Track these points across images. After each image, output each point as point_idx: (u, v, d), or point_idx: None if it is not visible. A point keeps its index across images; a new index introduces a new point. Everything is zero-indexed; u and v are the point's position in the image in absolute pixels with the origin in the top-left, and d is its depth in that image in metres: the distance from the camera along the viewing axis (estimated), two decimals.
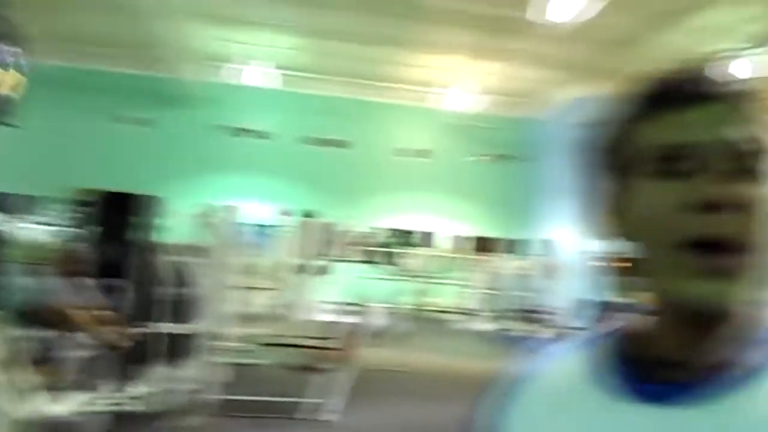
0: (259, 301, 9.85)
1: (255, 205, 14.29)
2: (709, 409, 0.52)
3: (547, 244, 14.91)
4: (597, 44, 11.47)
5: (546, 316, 12.69)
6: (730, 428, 0.50)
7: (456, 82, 13.59)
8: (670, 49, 10.75)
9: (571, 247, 13.74)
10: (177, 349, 5.60)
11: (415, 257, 14.13)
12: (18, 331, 3.79)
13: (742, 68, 10.53)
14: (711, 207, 0.51)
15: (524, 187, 14.84)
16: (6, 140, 14.21)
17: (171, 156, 14.70)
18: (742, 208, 0.51)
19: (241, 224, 14.26)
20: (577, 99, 13.85)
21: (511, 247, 15.09)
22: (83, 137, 14.58)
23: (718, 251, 0.51)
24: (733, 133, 0.53)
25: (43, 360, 3.91)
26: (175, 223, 10.32)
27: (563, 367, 0.64)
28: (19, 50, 3.79)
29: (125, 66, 14.15)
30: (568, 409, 0.60)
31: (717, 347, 0.55)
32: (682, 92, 0.54)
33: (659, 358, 0.57)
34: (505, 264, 13.61)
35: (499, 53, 11.64)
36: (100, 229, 5.49)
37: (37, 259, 5.36)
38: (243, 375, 6.03)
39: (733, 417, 0.51)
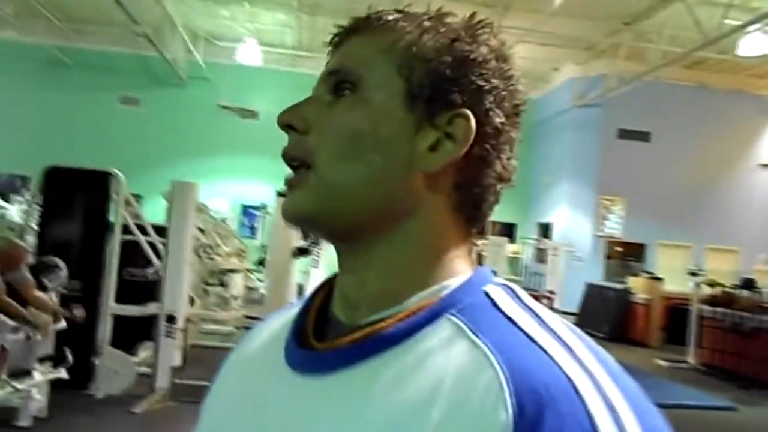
0: (242, 283, 9.72)
1: (249, 185, 14.12)
2: (344, 377, 0.48)
3: (542, 227, 14.64)
4: (594, 21, 11.10)
5: (538, 300, 12.48)
6: (363, 395, 0.46)
7: None
8: (669, 25, 10.36)
9: (567, 230, 13.47)
10: (130, 331, 5.43)
11: None
12: None
13: (755, 41, 10.14)
14: (284, 127, 0.54)
15: (521, 170, 14.48)
16: None
17: (160, 136, 14.51)
18: (306, 129, 0.53)
19: (244, 206, 14.42)
20: (573, 78, 13.48)
21: (505, 230, 14.82)
22: (74, 116, 14.42)
23: (294, 168, 0.53)
24: (333, 60, 0.55)
25: None
26: (153, 204, 10.24)
27: (283, 316, 0.60)
28: None
29: (113, 45, 13.94)
30: (250, 365, 0.58)
31: (362, 293, 0.52)
32: (338, 32, 0.56)
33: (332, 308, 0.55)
34: (499, 248, 13.34)
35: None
36: (48, 205, 5.29)
37: None
38: (213, 358, 5.85)
39: (364, 386, 0.47)
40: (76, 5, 12.52)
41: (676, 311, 10.41)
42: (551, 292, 12.35)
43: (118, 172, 5.42)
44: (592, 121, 13.23)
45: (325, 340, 0.53)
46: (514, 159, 0.55)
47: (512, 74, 0.54)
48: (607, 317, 10.97)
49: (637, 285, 11.32)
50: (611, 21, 11.10)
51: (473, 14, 0.54)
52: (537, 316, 0.48)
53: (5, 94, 14.38)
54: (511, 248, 13.75)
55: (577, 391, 0.42)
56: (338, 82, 0.53)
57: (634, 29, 11.12)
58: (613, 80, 11.87)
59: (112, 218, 5.43)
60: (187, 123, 14.61)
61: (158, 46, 11.96)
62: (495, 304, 0.49)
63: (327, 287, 0.57)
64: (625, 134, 13.32)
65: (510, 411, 0.41)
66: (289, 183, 0.53)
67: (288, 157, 0.53)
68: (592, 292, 11.84)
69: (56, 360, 4.38)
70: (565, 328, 0.48)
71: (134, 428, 4.60)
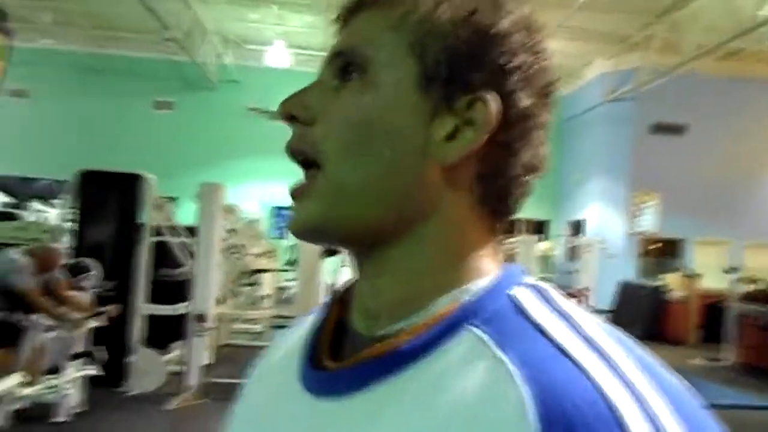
0: (272, 283, 9.84)
1: (279, 187, 14.28)
2: (357, 401, 0.43)
3: (574, 224, 14.45)
4: (625, 14, 10.90)
5: (572, 298, 12.31)
6: (378, 421, 0.42)
7: None
8: (704, 15, 10.11)
9: (599, 227, 13.27)
10: (162, 330, 5.56)
11: None
12: None
13: None
14: (287, 118, 0.48)
15: (552, 166, 14.32)
16: (35, 126, 14.63)
17: (194, 139, 14.78)
18: (311, 119, 0.47)
19: (275, 207, 14.58)
20: (604, 73, 13.26)
21: (536, 228, 14.67)
22: (110, 121, 14.80)
23: (300, 164, 0.48)
24: (339, 40, 0.49)
25: (10, 342, 3.88)
26: (185, 206, 10.42)
27: (307, 323, 0.55)
28: (3, 32, 3.72)
29: (146, 51, 14.25)
30: (271, 378, 0.53)
31: (380, 301, 0.47)
32: (345, 7, 0.50)
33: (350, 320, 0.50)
34: (530, 246, 13.20)
35: None
36: (82, 208, 5.44)
37: (27, 240, 5.38)
38: (244, 357, 5.95)
39: (380, 409, 0.42)
40: (110, 13, 12.84)
41: (714, 309, 10.15)
42: (586, 290, 12.19)
43: (148, 175, 5.55)
44: (625, 115, 12.99)
45: (342, 353, 0.48)
46: (545, 145, 0.48)
47: (542, 48, 0.47)
48: (642, 316, 10.76)
49: (672, 282, 11.09)
50: (643, 13, 10.88)
51: None
52: (570, 322, 0.42)
53: (44, 102, 14.83)
54: (542, 246, 13.60)
55: (615, 414, 0.36)
56: (344, 65, 0.47)
57: (666, 20, 10.88)
58: (646, 73, 11.64)
59: (144, 220, 5.57)
60: (219, 126, 14.85)
61: (189, 51, 12.18)
62: (521, 310, 0.43)
63: (345, 295, 0.52)
64: (659, 128, 13.04)
65: None
66: (294, 194, 0.48)
67: (292, 152, 0.48)
68: (626, 290, 11.63)
69: (88, 357, 4.50)
70: (607, 335, 0.41)
71: (165, 425, 4.70)
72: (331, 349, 0.49)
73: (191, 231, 5.90)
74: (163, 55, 13.93)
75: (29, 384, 3.98)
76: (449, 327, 0.43)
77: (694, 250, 12.86)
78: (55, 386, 4.18)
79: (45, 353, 4.23)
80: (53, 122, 14.77)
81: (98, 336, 4.65)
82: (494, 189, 0.47)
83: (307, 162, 0.47)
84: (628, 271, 12.54)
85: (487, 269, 0.46)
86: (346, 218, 0.46)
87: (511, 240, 13.64)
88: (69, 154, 12.66)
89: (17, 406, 4.14)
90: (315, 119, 0.47)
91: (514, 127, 0.46)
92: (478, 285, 0.45)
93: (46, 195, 13.33)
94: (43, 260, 4.24)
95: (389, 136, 0.45)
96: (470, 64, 0.45)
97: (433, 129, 0.45)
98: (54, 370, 4.19)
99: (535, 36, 0.47)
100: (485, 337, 0.41)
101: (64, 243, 5.60)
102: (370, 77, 0.46)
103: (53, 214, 8.96)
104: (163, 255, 6.03)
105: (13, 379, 3.58)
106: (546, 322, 0.41)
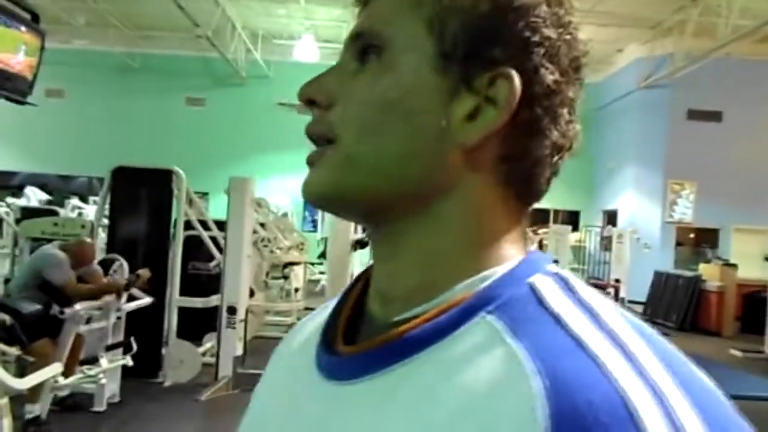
0: (303, 276, 9.94)
1: None
2: (366, 386, 0.43)
3: (607, 214, 14.21)
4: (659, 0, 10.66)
5: (604, 289, 12.15)
6: (385, 407, 0.41)
7: None
8: (735, 3, 9.81)
9: (633, 216, 13.03)
10: (195, 322, 5.67)
11: None
12: (22, 305, 3.90)
13: None
14: (306, 102, 0.48)
15: (584, 155, 14.13)
16: (71, 125, 15.02)
17: (225, 134, 14.99)
18: (330, 103, 0.46)
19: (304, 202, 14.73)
20: (638, 59, 12.99)
21: (568, 218, 14.48)
22: (144, 118, 15.10)
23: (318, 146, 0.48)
24: (358, 22, 0.48)
25: (51, 334, 4.01)
26: (220, 200, 10.59)
27: (328, 308, 0.54)
28: (35, 33, 3.83)
29: (178, 48, 14.48)
30: (291, 360, 0.53)
31: (395, 286, 0.46)
32: None
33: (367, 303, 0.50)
34: (562, 236, 13.04)
35: None
36: (117, 204, 5.58)
37: (64, 236, 5.54)
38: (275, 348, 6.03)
39: (387, 396, 0.41)
40: (142, 13, 13.08)
41: (752, 299, 9.91)
42: (617, 281, 12.00)
43: (179, 170, 5.66)
44: (659, 102, 12.71)
45: (358, 338, 0.48)
46: (575, 123, 0.46)
47: (568, 20, 0.45)
48: (678, 306, 10.56)
49: (709, 272, 10.84)
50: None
51: None
52: (592, 313, 0.39)
53: (81, 101, 15.21)
54: (574, 237, 13.43)
55: (632, 414, 0.33)
56: (363, 47, 0.46)
57: (701, 3, 10.60)
58: (681, 58, 11.36)
59: (176, 215, 5.68)
60: (250, 121, 15.02)
61: (219, 47, 12.34)
62: (540, 300, 0.41)
63: (364, 280, 0.51)
64: (695, 115, 12.73)
65: None
66: (310, 160, 0.47)
67: (310, 135, 0.47)
68: (661, 280, 11.42)
69: (123, 348, 4.63)
70: (631, 329, 0.39)
71: (198, 415, 4.82)
72: (348, 334, 0.49)
73: (222, 225, 6.00)
74: (194, 52, 14.14)
75: (68, 374, 4.12)
76: (463, 314, 0.41)
77: (731, 239, 12.55)
78: (93, 376, 4.31)
79: (83, 344, 4.36)
80: (89, 120, 15.15)
81: (133, 327, 4.77)
82: (519, 171, 0.45)
83: (323, 143, 0.47)
84: (664, 261, 12.31)
85: (509, 256, 0.44)
86: (358, 188, 0.45)
87: (543, 230, 13.51)
88: (105, 151, 12.95)
89: (59, 394, 4.30)
90: (333, 102, 0.46)
91: (538, 105, 0.43)
92: (498, 272, 0.43)
93: (84, 192, 13.71)
94: (79, 254, 4.36)
95: (406, 118, 0.44)
96: (491, 40, 0.43)
97: (452, 109, 0.43)
98: (91, 361, 4.32)
99: (561, 7, 0.45)
100: (499, 325, 0.40)
101: (100, 238, 5.76)
102: (388, 58, 0.45)
103: (90, 211, 9.20)
104: (195, 248, 6.16)
105: (54, 369, 3.71)
106: (565, 312, 0.39)
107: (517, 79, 0.42)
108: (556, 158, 0.45)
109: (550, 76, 0.43)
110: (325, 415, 0.44)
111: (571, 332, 0.38)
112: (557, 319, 0.39)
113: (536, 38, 0.43)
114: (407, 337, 0.42)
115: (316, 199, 0.47)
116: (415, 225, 0.45)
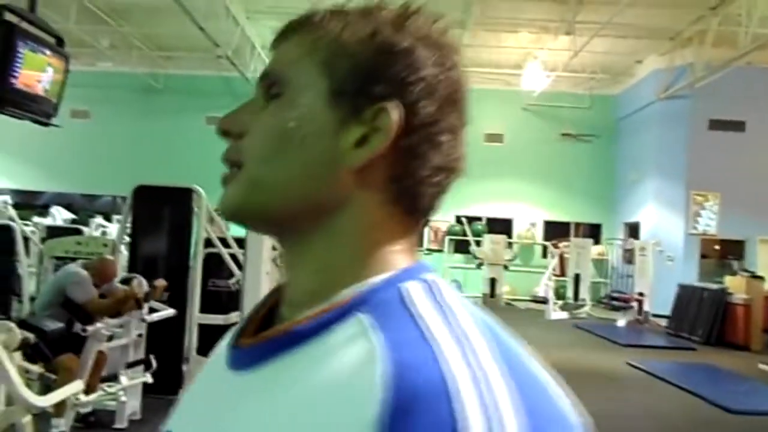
0: None
1: None
2: (261, 372, 0.49)
3: (629, 227, 14.04)
4: (677, 9, 10.58)
5: (627, 303, 11.95)
6: (266, 393, 0.47)
7: (526, 60, 13.03)
8: (759, 5, 9.71)
9: (656, 229, 12.87)
10: (214, 339, 5.71)
11: (490, 244, 13.70)
12: (46, 323, 3.97)
13: None
14: (222, 133, 0.56)
15: (604, 168, 14.03)
16: (96, 145, 15.32)
17: None
18: (241, 134, 0.54)
19: None
20: (657, 70, 12.89)
21: (590, 231, 14.33)
22: (166, 138, 15.34)
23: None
24: (267, 65, 0.55)
25: (71, 351, 4.07)
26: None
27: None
28: (60, 56, 3.93)
29: (199, 69, 14.73)
30: (213, 362, 0.58)
31: (298, 291, 0.53)
32: (277, 33, 0.56)
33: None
34: (584, 249, 12.92)
35: (571, 26, 11.01)
36: (138, 222, 5.66)
37: (87, 254, 5.63)
38: None
39: (270, 383, 0.48)
40: (164, 34, 13.35)
41: None
42: (641, 294, 11.83)
43: (200, 188, 5.73)
44: (680, 113, 12.59)
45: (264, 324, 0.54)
46: (459, 147, 0.53)
47: (446, 61, 0.52)
48: (703, 320, 10.35)
49: (735, 285, 10.63)
50: (695, 6, 10.54)
51: (405, 3, 0.53)
52: (445, 312, 0.46)
53: (105, 122, 15.52)
54: (596, 250, 13.30)
55: (448, 391, 0.40)
56: (269, 85, 0.54)
57: (720, 13, 10.51)
58: (701, 69, 11.25)
59: (196, 232, 5.74)
60: None
61: (239, 66, 12.52)
62: (403, 301, 0.47)
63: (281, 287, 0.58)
64: (717, 125, 12.57)
65: (379, 409, 0.40)
66: (223, 181, 0.55)
67: (225, 160, 0.55)
68: (686, 293, 11.22)
69: (143, 365, 4.67)
70: (475, 327, 0.45)
71: None
72: (258, 334, 0.53)
73: (241, 242, 6.04)
74: (214, 72, 14.37)
75: (90, 391, 4.17)
76: (341, 313, 0.47)
77: (757, 251, 12.31)
78: (114, 393, 4.36)
79: (105, 361, 4.42)
80: (113, 141, 15.44)
81: (153, 345, 4.82)
82: (405, 190, 0.51)
83: (235, 167, 0.54)
84: (688, 273, 12.10)
85: (395, 265, 0.51)
86: (261, 206, 0.52)
87: (564, 243, 13.39)
88: (128, 170, 13.16)
89: (81, 411, 4.34)
90: (243, 133, 0.54)
91: (417, 132, 0.50)
92: (378, 279, 0.49)
93: (108, 211, 13.94)
94: (101, 272, 4.44)
95: (302, 145, 0.51)
96: (374, 78, 0.50)
97: (341, 137, 0.50)
98: (112, 378, 4.37)
99: (440, 50, 0.52)
100: (367, 322, 0.46)
101: (122, 256, 5.84)
102: (289, 95, 0.52)
103: (114, 229, 9.34)
104: (214, 266, 6.21)
105: (76, 386, 3.76)
106: (422, 312, 0.46)
107: (396, 112, 0.49)
108: (439, 178, 0.52)
109: (428, 108, 0.50)
110: (225, 401, 0.51)
111: (420, 327, 0.44)
112: (412, 316, 0.45)
113: (415, 76, 0.50)
114: (292, 331, 0.48)
115: (229, 215, 0.54)
116: (313, 238, 0.52)
